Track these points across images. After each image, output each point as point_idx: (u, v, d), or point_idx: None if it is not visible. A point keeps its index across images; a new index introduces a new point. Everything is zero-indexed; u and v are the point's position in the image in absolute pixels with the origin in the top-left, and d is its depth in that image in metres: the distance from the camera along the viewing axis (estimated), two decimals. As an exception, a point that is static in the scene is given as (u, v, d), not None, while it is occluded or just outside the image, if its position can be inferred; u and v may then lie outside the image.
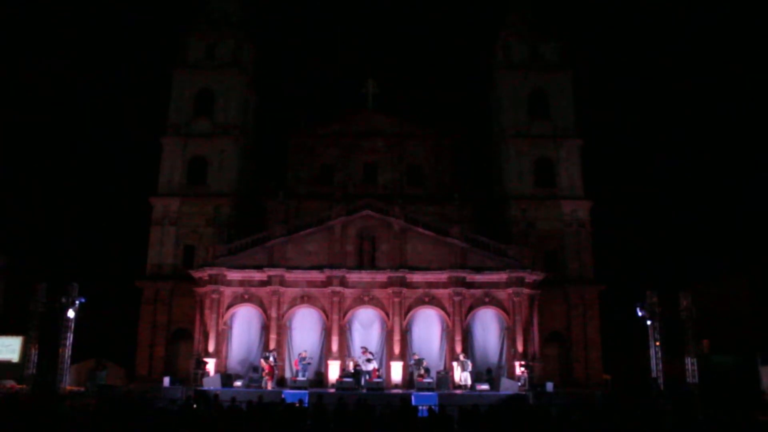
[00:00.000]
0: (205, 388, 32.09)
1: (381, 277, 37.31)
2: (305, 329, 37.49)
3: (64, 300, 32.50)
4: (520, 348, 35.91)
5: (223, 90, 46.06)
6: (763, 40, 66.24)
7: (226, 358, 36.82)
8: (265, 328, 37.12)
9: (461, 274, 36.90)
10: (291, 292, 37.61)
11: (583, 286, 41.69)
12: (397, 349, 36.31)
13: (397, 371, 35.98)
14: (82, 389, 35.22)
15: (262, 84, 51.63)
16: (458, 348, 35.98)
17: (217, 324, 36.87)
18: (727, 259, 50.92)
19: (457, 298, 36.79)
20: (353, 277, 37.42)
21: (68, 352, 32.65)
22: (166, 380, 33.43)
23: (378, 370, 34.20)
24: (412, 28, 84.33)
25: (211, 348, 36.35)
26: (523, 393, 31.71)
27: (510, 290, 36.83)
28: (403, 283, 37.08)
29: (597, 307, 41.62)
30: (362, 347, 35.31)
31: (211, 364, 35.63)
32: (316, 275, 37.43)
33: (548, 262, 41.18)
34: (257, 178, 48.58)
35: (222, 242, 38.40)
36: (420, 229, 37.94)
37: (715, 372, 36.23)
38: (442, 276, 37.13)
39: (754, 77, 69.36)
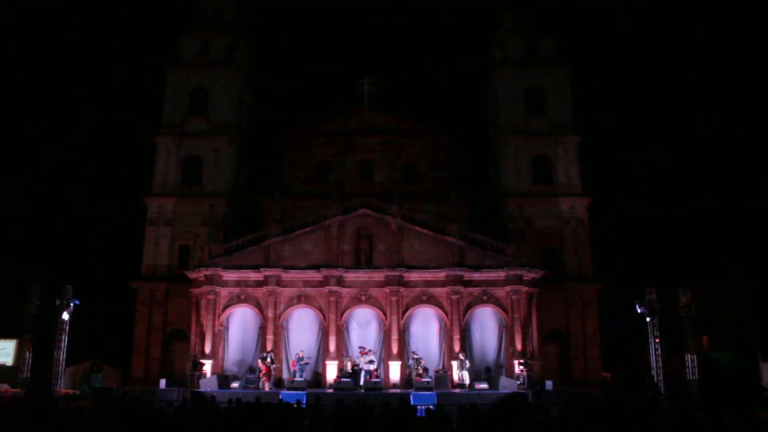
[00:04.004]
0: (202, 389, 31.81)
1: (378, 276, 37.06)
2: (302, 329, 37.24)
3: (58, 302, 32.24)
4: (518, 346, 35.71)
5: (218, 88, 45.81)
6: (763, 37, 66.15)
7: (223, 359, 36.55)
8: (261, 329, 36.87)
9: (459, 272, 36.68)
10: (288, 292, 37.35)
11: (582, 284, 41.54)
12: (395, 349, 36.08)
13: (395, 371, 35.77)
14: (78, 392, 34.96)
15: (257, 82, 51.33)
16: (457, 347, 35.76)
17: (214, 325, 36.58)
18: (727, 255, 50.87)
19: (455, 297, 36.56)
20: (350, 276, 37.17)
21: (63, 354, 32.39)
22: (162, 382, 33.28)
23: (376, 369, 33.98)
24: (408, 26, 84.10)
25: (207, 349, 36.06)
26: (522, 392, 31.49)
27: (508, 288, 36.62)
28: (401, 282, 36.85)
29: (596, 305, 41.50)
30: (360, 347, 35.09)
31: (207, 366, 35.32)
32: (313, 275, 37.18)
33: (546, 260, 40.98)
34: (253, 177, 48.40)
35: (218, 242, 38.08)
36: (417, 228, 37.70)
37: (716, 369, 36.08)
38: (440, 274, 36.90)
39: (755, 74, 69.32)
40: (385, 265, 37.07)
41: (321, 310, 37.03)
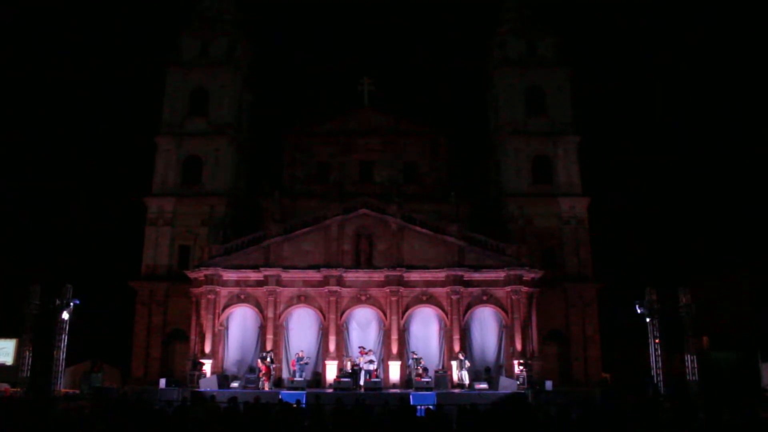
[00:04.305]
0: (202, 389, 31.77)
1: (378, 276, 37.04)
2: (302, 329, 37.23)
3: (58, 302, 32.15)
4: (518, 346, 35.69)
5: (218, 88, 45.75)
6: (763, 37, 66.11)
7: (223, 359, 36.56)
8: (261, 329, 36.87)
9: (459, 272, 36.66)
10: (287, 291, 37.34)
11: (582, 284, 41.47)
12: (394, 349, 36.07)
13: (395, 371, 35.75)
14: (77, 392, 34.97)
15: (257, 82, 51.33)
16: (456, 347, 35.74)
17: (214, 325, 36.57)
18: (727, 255, 50.81)
19: (455, 297, 36.55)
20: (350, 276, 37.16)
21: (63, 354, 32.31)
22: (162, 382, 33.24)
23: (376, 369, 33.95)
24: (408, 26, 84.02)
25: (207, 349, 36.05)
26: (522, 392, 31.43)
27: (508, 288, 36.60)
28: (401, 282, 36.83)
29: (596, 305, 41.42)
30: (360, 347, 35.08)
31: (207, 366, 35.31)
32: (313, 275, 37.16)
33: (546, 260, 40.90)
34: (253, 177, 48.42)
35: (217, 242, 38.12)
36: (417, 228, 37.68)
37: (716, 369, 36.06)
38: (440, 274, 36.88)
39: (755, 73, 69.25)
40: (385, 265, 37.05)
41: (321, 310, 37.02)
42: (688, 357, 31.69)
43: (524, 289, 36.59)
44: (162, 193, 43.63)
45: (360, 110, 47.06)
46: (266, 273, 36.98)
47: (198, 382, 33.45)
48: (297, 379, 32.95)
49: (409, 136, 46.60)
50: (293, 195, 43.87)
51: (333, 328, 36.45)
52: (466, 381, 33.74)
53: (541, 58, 46.28)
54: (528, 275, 36.78)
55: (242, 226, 42.36)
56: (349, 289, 37.18)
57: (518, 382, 33.21)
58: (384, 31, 76.79)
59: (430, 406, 21.62)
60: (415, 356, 34.53)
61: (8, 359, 39.69)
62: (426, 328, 37.11)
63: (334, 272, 36.85)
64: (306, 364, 34.25)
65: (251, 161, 49.42)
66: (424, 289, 37.08)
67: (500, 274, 36.81)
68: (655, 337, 32.91)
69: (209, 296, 36.79)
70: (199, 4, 48.40)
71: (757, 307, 43.71)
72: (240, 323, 37.39)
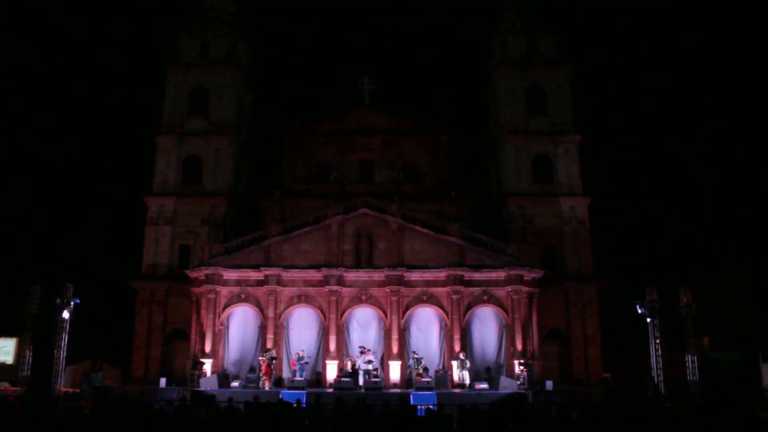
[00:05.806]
0: (202, 388, 31.78)
1: (379, 275, 37.06)
2: (303, 329, 37.27)
3: (58, 301, 32.19)
4: (519, 346, 35.71)
5: (218, 88, 45.76)
6: (763, 36, 66.00)
7: (223, 358, 36.60)
8: (262, 328, 36.91)
9: (459, 272, 36.66)
10: (288, 291, 37.36)
11: (582, 284, 41.43)
12: (395, 349, 36.08)
13: (395, 370, 35.76)
14: (78, 391, 34.95)
15: (257, 82, 51.37)
16: (457, 347, 35.75)
17: (214, 324, 36.60)
18: (727, 255, 50.76)
19: (455, 297, 36.55)
20: (350, 276, 37.17)
21: (63, 353, 32.35)
22: (163, 381, 33.32)
23: (375, 369, 33.94)
24: (408, 25, 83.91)
25: (207, 348, 36.07)
26: (523, 391, 31.45)
27: (509, 288, 36.60)
28: (401, 282, 36.84)
29: (596, 305, 41.38)
30: (360, 346, 35.09)
31: (207, 365, 35.36)
32: (313, 274, 37.18)
33: (547, 260, 40.89)
34: (253, 176, 48.42)
35: (218, 242, 38.16)
36: (418, 228, 37.70)
37: (716, 369, 36.02)
38: (441, 274, 36.89)
39: (755, 71, 69.16)
40: (385, 265, 37.07)
41: (321, 310, 37.03)
42: (688, 357, 31.70)
43: (525, 288, 36.60)
44: (162, 193, 43.64)
45: (360, 110, 47.09)
46: (267, 272, 37.00)
47: (198, 382, 33.48)
48: (297, 378, 32.98)
49: (409, 136, 46.61)
50: (293, 195, 43.83)
51: (333, 327, 36.47)
52: (467, 381, 33.76)
53: (542, 57, 46.23)
54: (528, 275, 36.79)
55: (242, 225, 42.37)
56: (349, 289, 37.20)
57: (519, 382, 33.23)
58: (384, 30, 76.70)
59: (431, 406, 21.67)
60: (415, 356, 34.53)
61: (8, 358, 39.62)
62: (426, 328, 37.14)
63: (335, 272, 36.87)
64: (306, 363, 34.29)
65: (251, 161, 49.40)
66: (425, 288, 37.09)
67: (501, 274, 36.82)
68: (655, 337, 32.95)
69: (209, 296, 36.81)
70: (199, 4, 48.39)
71: (757, 307, 43.66)
72: (240, 323, 37.42)
